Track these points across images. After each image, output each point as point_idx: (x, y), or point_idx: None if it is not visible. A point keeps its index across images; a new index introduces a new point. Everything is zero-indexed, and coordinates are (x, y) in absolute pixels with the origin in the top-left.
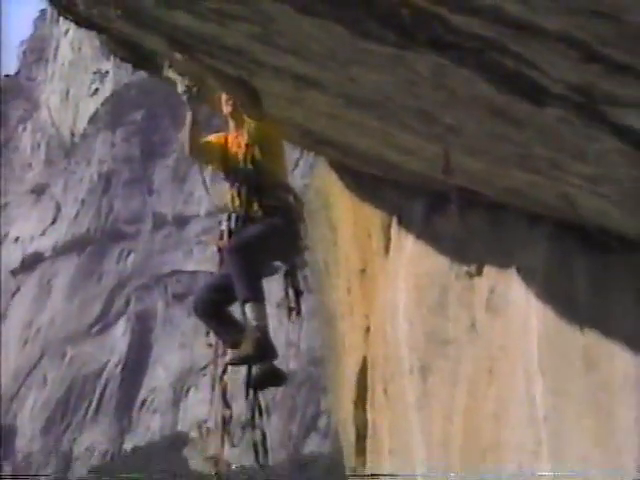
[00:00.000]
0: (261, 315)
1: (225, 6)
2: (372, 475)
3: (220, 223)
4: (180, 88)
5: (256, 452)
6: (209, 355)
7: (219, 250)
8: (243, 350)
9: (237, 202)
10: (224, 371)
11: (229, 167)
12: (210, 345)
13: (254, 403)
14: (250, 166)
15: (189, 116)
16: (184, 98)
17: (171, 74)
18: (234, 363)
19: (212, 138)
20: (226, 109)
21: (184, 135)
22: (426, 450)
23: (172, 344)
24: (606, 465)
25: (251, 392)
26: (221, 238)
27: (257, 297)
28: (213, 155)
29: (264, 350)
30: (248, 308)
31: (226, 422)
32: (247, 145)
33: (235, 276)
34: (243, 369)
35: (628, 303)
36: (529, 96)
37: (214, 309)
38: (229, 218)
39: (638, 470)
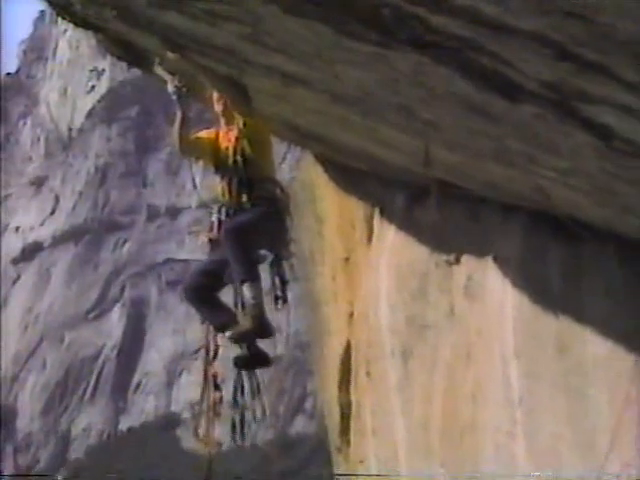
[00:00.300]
0: (258, 294)
1: (216, 7)
2: (350, 475)
3: (211, 215)
4: (170, 88)
5: (234, 429)
6: (201, 340)
7: (209, 241)
8: (243, 326)
9: (227, 195)
10: (215, 356)
11: (220, 161)
12: (204, 331)
13: (237, 380)
14: (240, 160)
15: (179, 115)
16: (173, 97)
17: (161, 72)
18: (234, 339)
19: (203, 134)
20: (217, 107)
21: (174, 133)
22: (407, 430)
23: (165, 329)
24: (578, 445)
25: (239, 373)
26: (211, 230)
27: (253, 277)
28: (204, 150)
29: (262, 326)
30: (246, 288)
31: (216, 405)
32: (237, 140)
33: (232, 258)
34: (233, 352)
35: (599, 289)
36: (505, 93)
37: (203, 294)
38: (219, 210)
39: None
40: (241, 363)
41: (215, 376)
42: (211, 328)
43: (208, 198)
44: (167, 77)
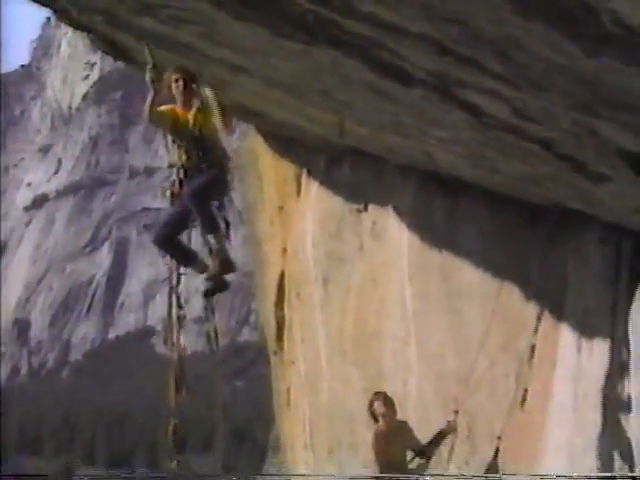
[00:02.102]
0: (221, 242)
1: (179, 13)
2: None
3: (172, 174)
4: (147, 76)
5: (209, 338)
6: (168, 271)
7: (172, 195)
8: (213, 269)
9: (185, 159)
10: (178, 283)
11: (179, 132)
12: (167, 265)
13: (207, 305)
14: (197, 132)
15: (151, 94)
16: (148, 83)
17: (146, 54)
18: (209, 279)
19: (164, 108)
20: (177, 91)
21: (146, 107)
22: (327, 338)
23: (143, 261)
24: (457, 349)
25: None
26: (173, 185)
27: (216, 230)
28: (165, 121)
29: (227, 265)
30: (211, 238)
31: (181, 319)
32: (196, 117)
33: (199, 215)
34: (196, 281)
35: (472, 231)
36: (400, 80)
37: (169, 241)
38: (179, 171)
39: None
40: (209, 293)
41: (179, 297)
42: (174, 264)
43: (170, 161)
44: (148, 60)
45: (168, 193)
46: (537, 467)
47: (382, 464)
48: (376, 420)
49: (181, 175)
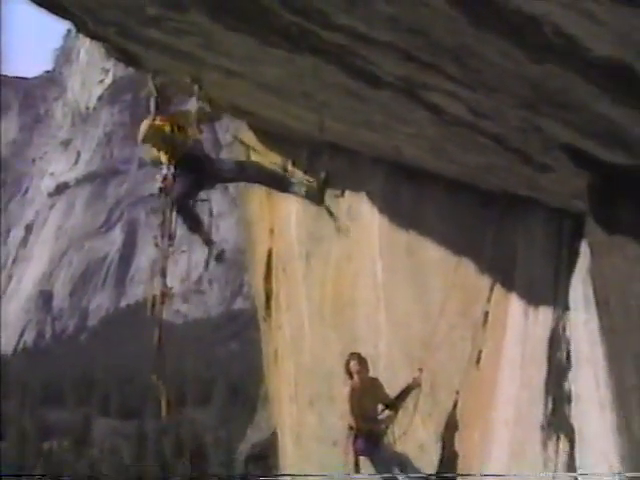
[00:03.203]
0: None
1: (181, 25)
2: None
3: (162, 170)
4: (152, 102)
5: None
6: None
7: (160, 189)
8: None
9: (174, 158)
10: (164, 262)
11: (167, 139)
12: (156, 245)
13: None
14: (184, 138)
15: (152, 116)
16: (152, 105)
17: (151, 86)
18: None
19: (152, 126)
20: (166, 103)
21: (144, 126)
22: (308, 306)
23: (150, 240)
24: (420, 315)
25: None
26: (165, 179)
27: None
28: (156, 137)
29: None
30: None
31: (165, 295)
32: (184, 122)
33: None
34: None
35: (434, 214)
36: (371, 83)
37: (185, 202)
38: (168, 167)
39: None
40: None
41: (164, 274)
42: (164, 246)
43: (153, 159)
44: (153, 91)
45: (158, 185)
46: (490, 417)
47: (356, 415)
48: (351, 377)
49: (172, 170)
